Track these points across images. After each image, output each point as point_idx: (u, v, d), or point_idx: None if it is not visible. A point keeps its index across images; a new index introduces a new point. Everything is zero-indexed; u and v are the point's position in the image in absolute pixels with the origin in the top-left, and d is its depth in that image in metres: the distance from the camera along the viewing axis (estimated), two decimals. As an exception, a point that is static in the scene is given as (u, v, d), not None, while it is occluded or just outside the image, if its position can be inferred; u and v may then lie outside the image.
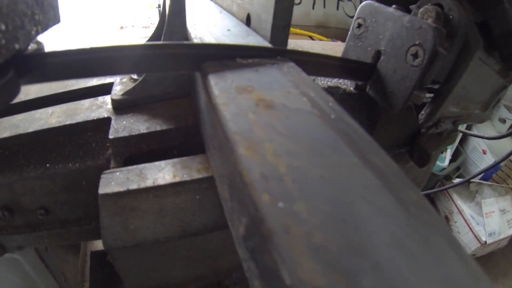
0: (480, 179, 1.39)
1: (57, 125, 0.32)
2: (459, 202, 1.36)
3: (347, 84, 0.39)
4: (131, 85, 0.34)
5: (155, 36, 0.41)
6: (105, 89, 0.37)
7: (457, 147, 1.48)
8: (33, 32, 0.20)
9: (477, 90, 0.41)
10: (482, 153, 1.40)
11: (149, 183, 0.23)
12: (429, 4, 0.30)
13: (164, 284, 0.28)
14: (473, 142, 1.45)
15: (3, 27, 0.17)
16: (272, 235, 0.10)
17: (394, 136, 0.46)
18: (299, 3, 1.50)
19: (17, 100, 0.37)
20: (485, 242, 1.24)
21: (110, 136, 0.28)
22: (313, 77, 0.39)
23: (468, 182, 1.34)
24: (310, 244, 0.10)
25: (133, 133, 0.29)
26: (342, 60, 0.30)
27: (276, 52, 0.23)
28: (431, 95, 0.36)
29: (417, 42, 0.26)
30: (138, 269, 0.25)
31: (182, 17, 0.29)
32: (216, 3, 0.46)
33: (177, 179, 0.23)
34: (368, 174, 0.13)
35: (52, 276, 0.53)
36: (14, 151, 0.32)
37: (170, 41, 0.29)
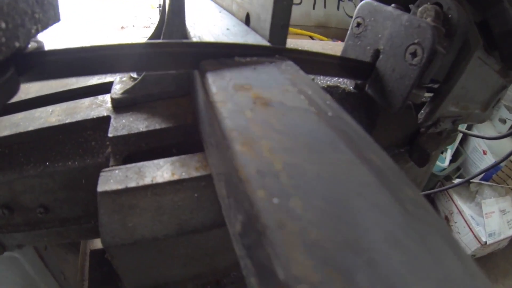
0: (480, 180, 1.39)
1: (57, 123, 0.32)
2: (459, 202, 1.35)
3: (347, 84, 0.39)
4: (130, 84, 0.34)
5: (155, 35, 0.41)
6: (105, 88, 0.37)
7: (457, 148, 1.48)
8: (33, 31, 0.20)
9: (476, 90, 0.41)
10: (483, 154, 1.39)
11: (147, 181, 0.23)
12: (428, 3, 0.30)
13: (162, 282, 0.28)
14: (474, 142, 1.45)
15: (3, 25, 0.17)
16: (267, 230, 0.10)
17: (393, 136, 0.46)
18: (300, 3, 1.50)
19: (17, 99, 0.37)
20: (485, 242, 1.24)
21: (110, 135, 0.28)
22: (312, 76, 0.39)
23: (468, 182, 1.34)
24: (304, 240, 0.10)
25: (132, 132, 0.29)
26: (341, 59, 0.30)
27: (274, 50, 0.23)
28: (431, 94, 0.36)
29: (415, 41, 0.26)
30: (137, 267, 0.26)
31: (181, 16, 0.29)
32: (216, 2, 0.46)
33: (176, 177, 0.23)
34: (365, 171, 0.13)
35: (52, 275, 0.53)
36: (14, 149, 0.32)
37: (168, 40, 0.29)
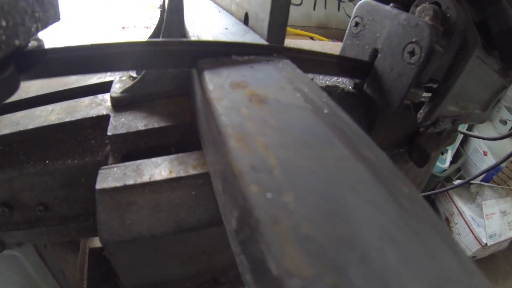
0: (481, 181, 1.38)
1: (56, 122, 0.32)
2: (460, 203, 1.35)
3: (346, 83, 0.39)
4: (130, 83, 0.34)
5: (155, 35, 0.42)
6: (105, 87, 0.37)
7: (458, 149, 1.48)
8: (33, 29, 0.21)
9: (476, 90, 0.41)
10: (483, 155, 1.39)
11: (145, 178, 0.23)
12: (427, 2, 0.30)
13: (160, 281, 0.28)
14: (474, 143, 1.45)
15: (3, 23, 0.17)
16: (260, 225, 0.10)
17: (393, 136, 0.46)
18: (300, 4, 1.50)
19: (18, 98, 0.37)
20: (486, 244, 1.23)
21: (109, 133, 0.29)
22: (311, 76, 0.39)
23: (468, 183, 1.34)
24: (297, 234, 0.10)
25: (131, 130, 0.29)
26: (339, 58, 0.30)
27: (272, 49, 0.23)
28: (430, 94, 0.36)
29: (413, 40, 0.26)
30: (134, 265, 0.26)
31: (180, 15, 0.30)
32: (215, 2, 0.46)
33: (173, 175, 0.23)
34: (360, 167, 0.13)
35: (51, 273, 0.53)
36: (14, 147, 0.33)
37: (167, 38, 0.29)
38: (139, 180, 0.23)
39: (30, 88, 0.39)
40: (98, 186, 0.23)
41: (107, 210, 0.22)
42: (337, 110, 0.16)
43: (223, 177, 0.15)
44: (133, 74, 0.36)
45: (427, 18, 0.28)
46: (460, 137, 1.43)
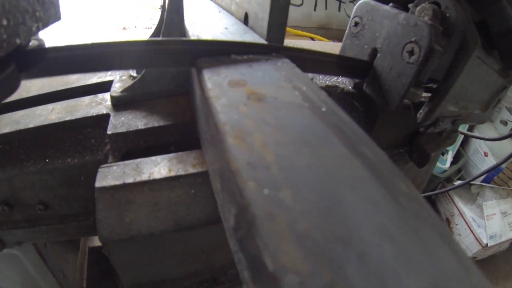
0: (481, 182, 1.38)
1: (57, 121, 0.32)
2: (460, 204, 1.34)
3: (346, 83, 0.39)
4: (130, 82, 0.34)
5: (155, 34, 0.42)
6: (105, 87, 0.37)
7: (458, 149, 1.47)
8: (34, 28, 0.21)
9: (476, 90, 0.41)
10: (484, 156, 1.39)
11: (144, 177, 0.23)
12: (426, 2, 0.30)
13: (159, 279, 0.28)
14: (475, 144, 1.44)
15: (5, 22, 0.17)
16: (256, 221, 0.10)
17: (393, 136, 0.46)
18: (301, 5, 1.50)
19: (18, 97, 0.38)
20: (486, 244, 1.23)
21: (109, 132, 0.29)
22: (311, 76, 0.39)
23: (469, 184, 1.33)
24: (294, 231, 0.10)
25: (131, 129, 0.29)
26: (339, 57, 0.30)
27: (271, 48, 0.23)
28: (430, 94, 0.36)
29: (412, 39, 0.26)
30: (133, 263, 0.26)
31: (180, 15, 0.30)
32: (215, 2, 0.46)
33: (173, 174, 0.23)
34: (357, 164, 0.13)
35: (51, 273, 0.53)
36: (14, 146, 0.33)
37: (167, 38, 0.29)
38: (138, 179, 0.23)
39: (31, 87, 0.39)
40: (98, 184, 0.23)
41: (107, 208, 0.22)
42: (336, 109, 0.16)
43: (221, 175, 0.15)
44: (133, 73, 0.37)
45: (426, 18, 0.28)
46: (460, 137, 1.43)
